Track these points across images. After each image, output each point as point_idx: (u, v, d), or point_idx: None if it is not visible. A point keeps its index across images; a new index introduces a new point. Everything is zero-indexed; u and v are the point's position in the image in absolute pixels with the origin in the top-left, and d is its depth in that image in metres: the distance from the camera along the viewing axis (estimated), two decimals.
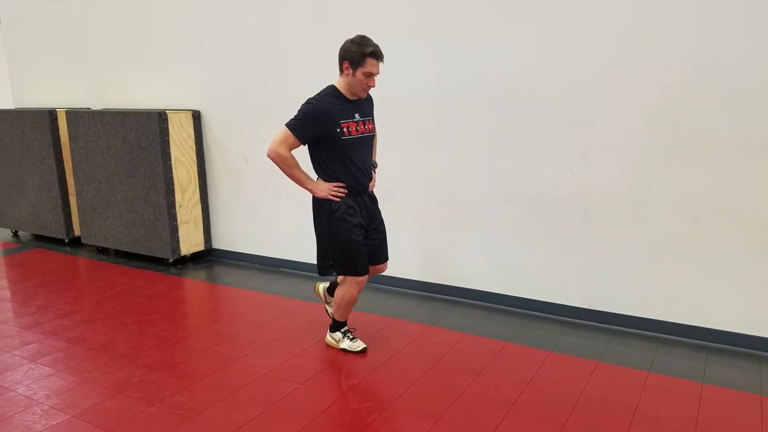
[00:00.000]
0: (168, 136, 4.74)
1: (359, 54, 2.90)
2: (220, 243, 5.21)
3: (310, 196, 3.16)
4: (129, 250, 5.18)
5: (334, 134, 2.98)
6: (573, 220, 3.59)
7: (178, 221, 4.91)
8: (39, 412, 2.74)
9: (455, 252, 4.05)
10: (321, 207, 3.11)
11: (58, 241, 5.86)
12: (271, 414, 2.68)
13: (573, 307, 3.70)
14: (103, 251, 5.51)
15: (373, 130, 3.20)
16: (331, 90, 3.05)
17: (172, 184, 4.82)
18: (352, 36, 2.98)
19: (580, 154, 3.50)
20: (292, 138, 2.96)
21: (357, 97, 3.08)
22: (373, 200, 3.26)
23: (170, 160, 4.78)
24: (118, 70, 5.42)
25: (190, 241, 5.03)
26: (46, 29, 5.84)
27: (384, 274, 4.24)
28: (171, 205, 4.83)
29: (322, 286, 3.58)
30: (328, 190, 3.04)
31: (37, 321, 3.83)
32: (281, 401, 2.79)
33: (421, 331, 3.57)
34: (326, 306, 3.58)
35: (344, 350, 3.30)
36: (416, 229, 4.15)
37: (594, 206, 3.52)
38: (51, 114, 5.45)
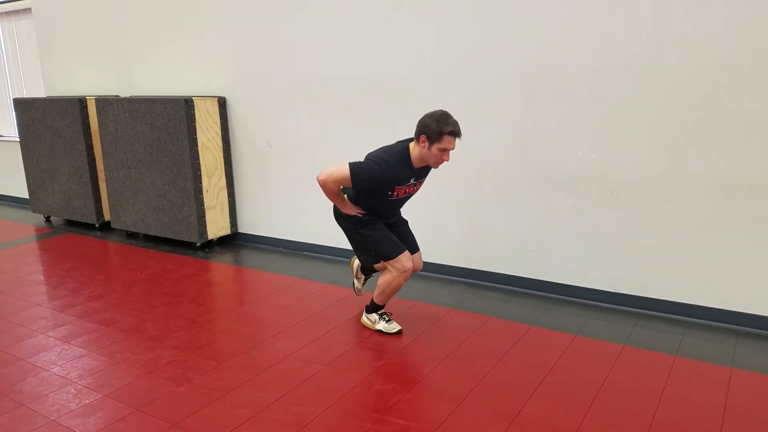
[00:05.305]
0: (194, 122, 4.80)
1: (437, 131, 2.88)
2: (245, 227, 5.28)
3: None
4: (157, 235, 5.29)
5: (383, 193, 3.09)
6: (599, 201, 3.54)
7: (205, 206, 4.98)
8: (72, 391, 2.83)
9: (478, 234, 4.03)
10: (341, 218, 3.27)
11: (89, 226, 6.00)
12: (297, 394, 2.73)
13: (599, 290, 3.66)
14: (132, 236, 5.62)
15: (419, 188, 3.24)
16: (405, 156, 3.02)
17: (199, 170, 4.89)
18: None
19: (606, 134, 3.44)
20: (347, 180, 3.00)
21: (424, 165, 3.06)
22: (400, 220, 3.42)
23: (197, 146, 4.85)
24: (146, 57, 5.49)
25: (216, 226, 5.11)
26: (76, 19, 5.92)
27: None
28: (198, 190, 4.90)
29: (357, 262, 3.64)
30: (354, 211, 3.19)
31: (69, 303, 3.94)
32: (306, 382, 2.83)
33: (444, 314, 3.58)
34: (354, 280, 3.69)
35: (380, 331, 3.34)
36: (438, 212, 4.14)
37: (621, 187, 3.46)
38: (81, 102, 5.55)
